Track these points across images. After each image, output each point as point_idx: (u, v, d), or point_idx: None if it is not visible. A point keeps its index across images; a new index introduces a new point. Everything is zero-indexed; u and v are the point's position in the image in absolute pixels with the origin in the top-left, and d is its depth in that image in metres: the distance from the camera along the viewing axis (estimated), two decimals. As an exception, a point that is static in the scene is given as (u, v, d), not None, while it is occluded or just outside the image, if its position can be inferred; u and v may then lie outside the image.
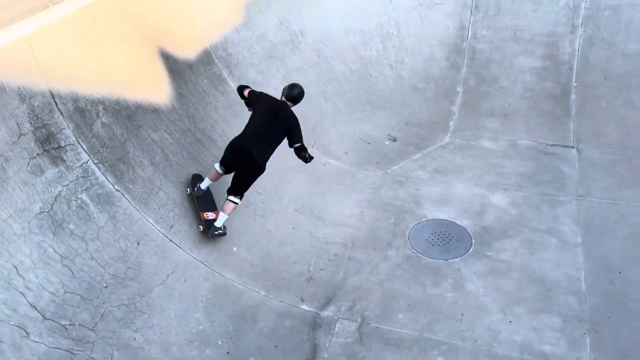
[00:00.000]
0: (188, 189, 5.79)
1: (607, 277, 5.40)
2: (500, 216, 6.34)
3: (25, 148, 4.30)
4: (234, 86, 7.00)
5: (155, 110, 5.77)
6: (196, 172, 5.97)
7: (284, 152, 6.96)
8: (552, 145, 7.51)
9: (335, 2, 8.73)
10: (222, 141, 6.44)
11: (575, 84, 8.17)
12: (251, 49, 7.55)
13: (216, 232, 5.52)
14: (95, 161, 4.90)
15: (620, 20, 8.24)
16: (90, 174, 4.82)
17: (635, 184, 6.64)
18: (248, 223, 5.99)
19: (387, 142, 7.84)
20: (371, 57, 8.83)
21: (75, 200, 4.60)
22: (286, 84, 7.56)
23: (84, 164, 4.80)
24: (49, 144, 4.51)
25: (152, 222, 5.18)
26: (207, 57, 6.81)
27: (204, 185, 5.74)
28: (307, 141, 7.26)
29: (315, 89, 8.12)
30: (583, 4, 8.42)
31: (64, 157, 4.62)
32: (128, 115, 5.42)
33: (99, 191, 4.85)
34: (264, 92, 5.69)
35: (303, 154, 5.37)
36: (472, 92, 8.52)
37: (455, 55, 8.85)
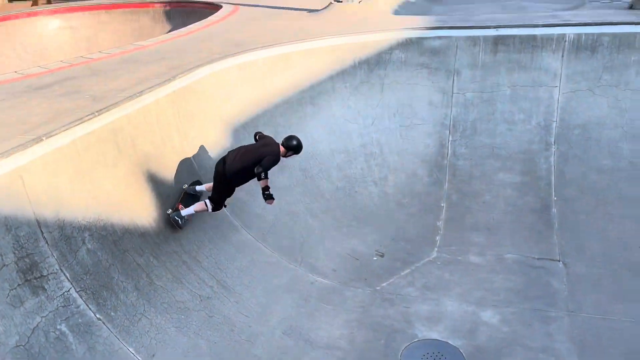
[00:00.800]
0: (185, 185, 6.66)
1: (608, 400, 5.17)
2: (493, 334, 6.19)
3: (6, 279, 4.24)
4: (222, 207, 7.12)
5: (142, 234, 5.80)
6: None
7: (271, 269, 6.95)
8: (538, 259, 7.55)
9: (321, 125, 9.20)
10: (208, 263, 6.43)
11: (555, 198, 8.41)
12: (239, 170, 7.78)
13: (176, 217, 6.21)
14: (78, 289, 4.82)
15: (590, 138, 8.71)
16: (71, 303, 4.72)
17: (624, 298, 6.60)
18: (233, 348, 5.76)
19: (375, 258, 7.83)
20: (356, 175, 9.12)
21: (54, 332, 4.45)
22: (276, 203, 7.79)
23: (66, 293, 4.71)
24: (31, 274, 4.46)
25: (133, 352, 4.98)
26: (195, 180, 6.98)
27: (199, 188, 6.63)
28: (294, 259, 7.32)
29: (302, 207, 8.27)
30: (554, 124, 8.94)
31: (46, 287, 4.55)
32: (114, 240, 5.43)
33: (79, 320, 4.71)
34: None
35: (259, 172, 5.91)
36: (455, 207, 8.70)
37: (437, 172, 9.17)
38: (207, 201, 6.28)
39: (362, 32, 9.88)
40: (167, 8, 16.93)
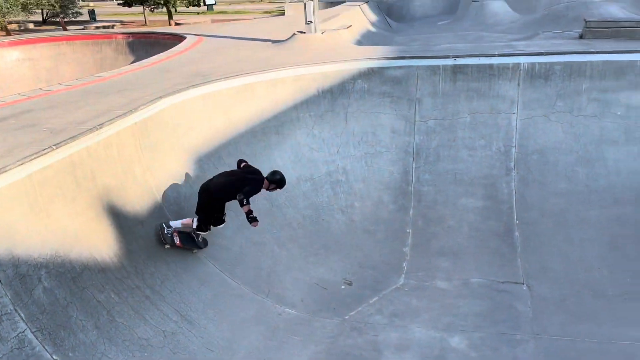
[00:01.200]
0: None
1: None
2: (461, 360, 6.20)
3: (-45, 322, 4.04)
4: (186, 239, 7.02)
5: (102, 270, 5.62)
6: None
7: (237, 301, 6.82)
8: (503, 282, 7.65)
9: (286, 153, 9.22)
10: (172, 297, 6.27)
11: (517, 222, 8.59)
12: (204, 201, 7.69)
13: (163, 225, 6.60)
14: (33, 329, 4.61)
15: (547, 162, 8.98)
16: (26, 344, 4.51)
17: (586, 318, 6.73)
18: (199, 386, 5.60)
19: (343, 287, 7.79)
20: (322, 203, 9.13)
21: (7, 376, 4.23)
22: (239, 232, 7.73)
23: (20, 334, 4.50)
24: (-18, 316, 4.26)
25: (92, 394, 4.77)
26: (158, 212, 6.86)
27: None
28: (260, 290, 7.21)
29: (268, 236, 8.20)
30: (513, 149, 9.20)
31: (-2, 328, 4.34)
32: (73, 277, 5.25)
33: (35, 363, 4.50)
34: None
35: (240, 199, 6.18)
36: (421, 232, 8.77)
37: (402, 198, 9.26)
38: (195, 218, 6.64)
39: (325, 62, 10.03)
40: (130, 39, 16.88)
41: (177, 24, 32.57)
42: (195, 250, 6.96)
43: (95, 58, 16.50)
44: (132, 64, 12.07)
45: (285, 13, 23.79)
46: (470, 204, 8.98)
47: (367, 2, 23.28)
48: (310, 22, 12.88)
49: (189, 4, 34.79)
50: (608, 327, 6.59)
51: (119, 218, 6.21)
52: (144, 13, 36.37)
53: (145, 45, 16.29)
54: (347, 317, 7.08)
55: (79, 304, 5.17)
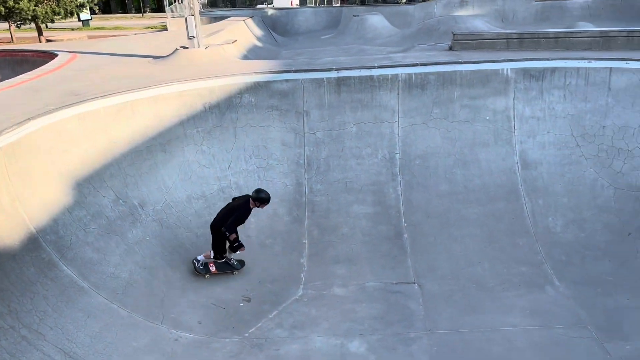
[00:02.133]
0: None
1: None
2: (361, 364, 6.33)
3: None
4: (66, 270, 6.51)
5: (-34, 313, 5.03)
6: None
7: (128, 331, 6.43)
8: (396, 283, 7.96)
9: (174, 171, 8.92)
10: (53, 335, 5.76)
11: (405, 224, 9.01)
12: (86, 228, 7.20)
13: (194, 261, 7.84)
14: None
15: (429, 166, 9.55)
16: None
17: (472, 310, 7.21)
18: None
19: (241, 304, 7.66)
20: (216, 220, 8.92)
21: None
22: (128, 258, 7.37)
23: None
24: None
25: None
26: (33, 244, 6.28)
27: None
28: (154, 316, 6.87)
29: (160, 259, 7.86)
30: (397, 156, 9.66)
31: None
32: None
33: None
34: None
35: (223, 232, 7.37)
36: (317, 242, 8.89)
37: (296, 210, 9.34)
38: (212, 250, 7.73)
39: (210, 77, 9.88)
40: (-7, 57, 15.50)
41: (48, 40, 30.38)
42: (235, 272, 8.01)
43: (-50, 79, 14.89)
44: (-4, 84, 11.04)
45: (168, 28, 23.09)
46: (361, 211, 9.27)
47: (251, 17, 23.39)
48: (193, 37, 12.64)
49: (60, 15, 32.41)
50: (491, 316, 7.11)
51: (-16, 254, 5.60)
52: (9, 29, 33.50)
53: (11, 63, 15.05)
54: (247, 334, 6.96)
55: (-62, 354, 4.57)
